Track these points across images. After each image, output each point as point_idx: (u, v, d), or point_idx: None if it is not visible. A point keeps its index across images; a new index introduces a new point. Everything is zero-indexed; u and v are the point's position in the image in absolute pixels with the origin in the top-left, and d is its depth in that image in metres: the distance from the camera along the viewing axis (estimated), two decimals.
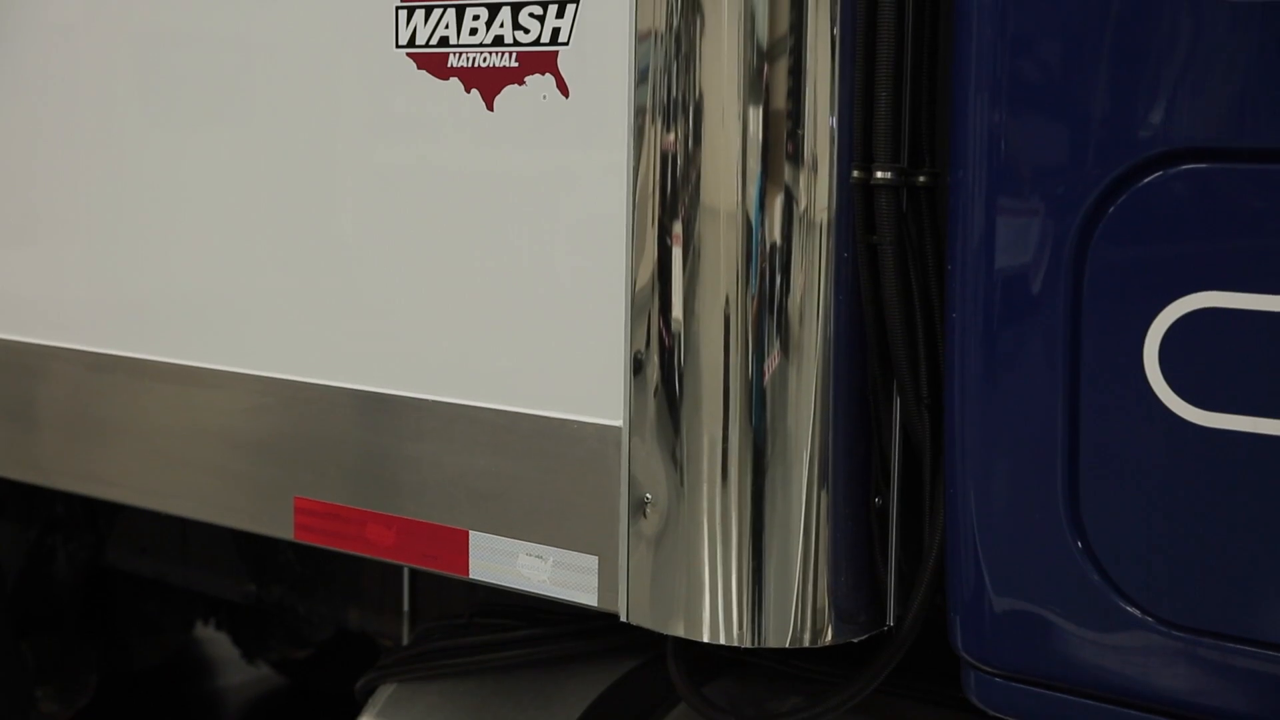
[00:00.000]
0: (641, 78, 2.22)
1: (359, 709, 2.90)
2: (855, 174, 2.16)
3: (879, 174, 2.14)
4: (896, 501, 2.30)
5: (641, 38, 2.22)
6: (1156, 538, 1.95)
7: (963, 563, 2.10)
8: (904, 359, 2.18)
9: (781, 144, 2.16)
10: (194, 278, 2.86)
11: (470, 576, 2.50)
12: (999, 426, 2.06)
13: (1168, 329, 1.89)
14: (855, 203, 2.17)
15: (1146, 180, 1.90)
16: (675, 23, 2.19)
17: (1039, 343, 2.01)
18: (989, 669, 2.11)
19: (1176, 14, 1.87)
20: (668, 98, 2.20)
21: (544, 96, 2.34)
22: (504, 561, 2.45)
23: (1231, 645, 1.91)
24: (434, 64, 2.45)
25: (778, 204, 2.17)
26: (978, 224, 2.03)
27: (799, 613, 2.24)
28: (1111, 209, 1.93)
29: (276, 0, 2.72)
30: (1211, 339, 1.87)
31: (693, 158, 2.20)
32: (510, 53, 2.37)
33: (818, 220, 2.18)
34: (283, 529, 2.73)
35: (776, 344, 2.20)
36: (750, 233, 2.18)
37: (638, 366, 2.27)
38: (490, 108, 2.40)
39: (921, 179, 2.18)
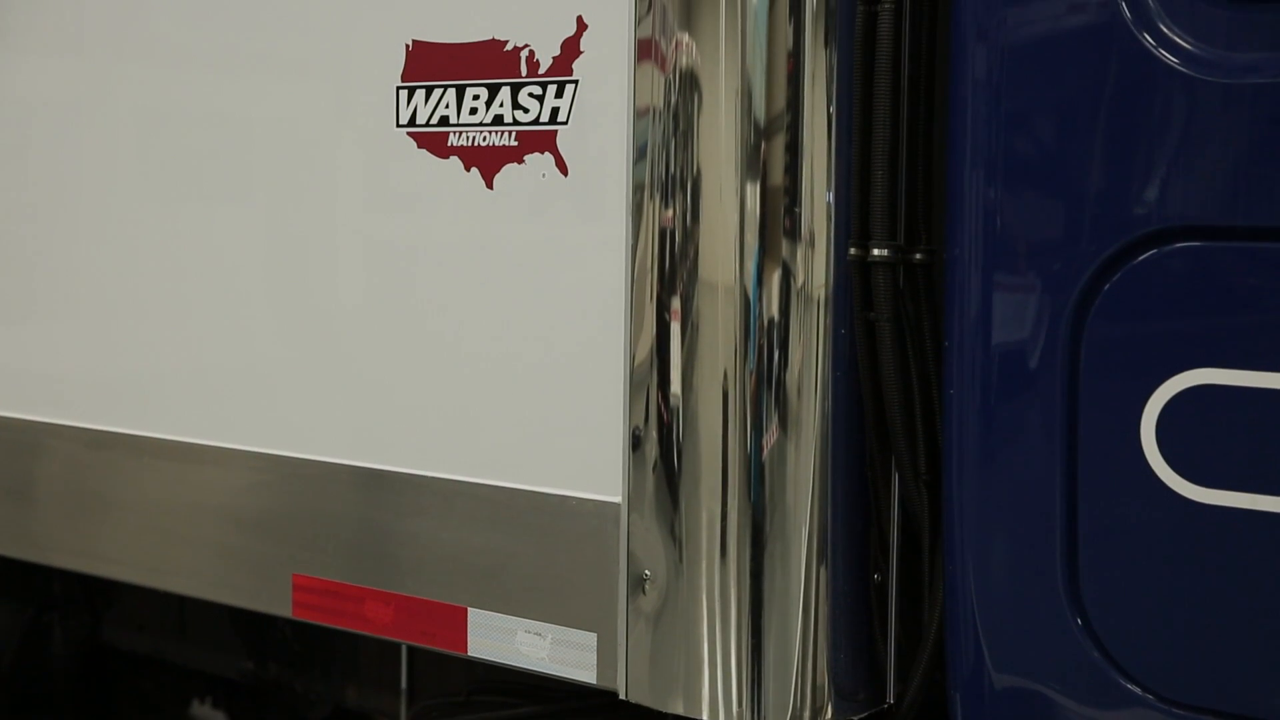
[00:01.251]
0: (640, 154, 2.24)
1: None
2: (852, 251, 2.18)
3: (876, 251, 2.16)
4: (895, 578, 2.29)
5: (640, 114, 2.24)
6: (1156, 614, 1.94)
7: (962, 639, 2.09)
8: (902, 435, 2.18)
9: (779, 220, 2.18)
10: (193, 354, 2.87)
11: (469, 654, 2.49)
12: (997, 503, 2.05)
13: (1164, 405, 1.90)
14: (853, 280, 2.19)
15: (1141, 258, 1.92)
16: (673, 100, 2.21)
17: (1036, 419, 2.01)
18: None
19: (1169, 94, 1.89)
20: (666, 174, 2.22)
21: (543, 175, 2.36)
22: (502, 639, 2.44)
23: None
24: (434, 143, 2.47)
25: (775, 279, 2.18)
26: (974, 301, 2.04)
27: (798, 690, 2.22)
28: (1107, 286, 1.94)
29: (278, 80, 2.75)
30: (1208, 415, 1.87)
31: (691, 233, 2.21)
32: (510, 132, 2.39)
33: (815, 296, 2.19)
34: (281, 606, 2.72)
35: (775, 419, 2.20)
36: (748, 308, 2.19)
37: (636, 442, 2.27)
38: (490, 186, 2.42)
39: (918, 256, 2.20)
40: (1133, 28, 1.90)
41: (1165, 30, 1.89)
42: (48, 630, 3.93)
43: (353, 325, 2.64)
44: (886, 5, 2.13)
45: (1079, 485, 1.98)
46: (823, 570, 2.22)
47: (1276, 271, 1.85)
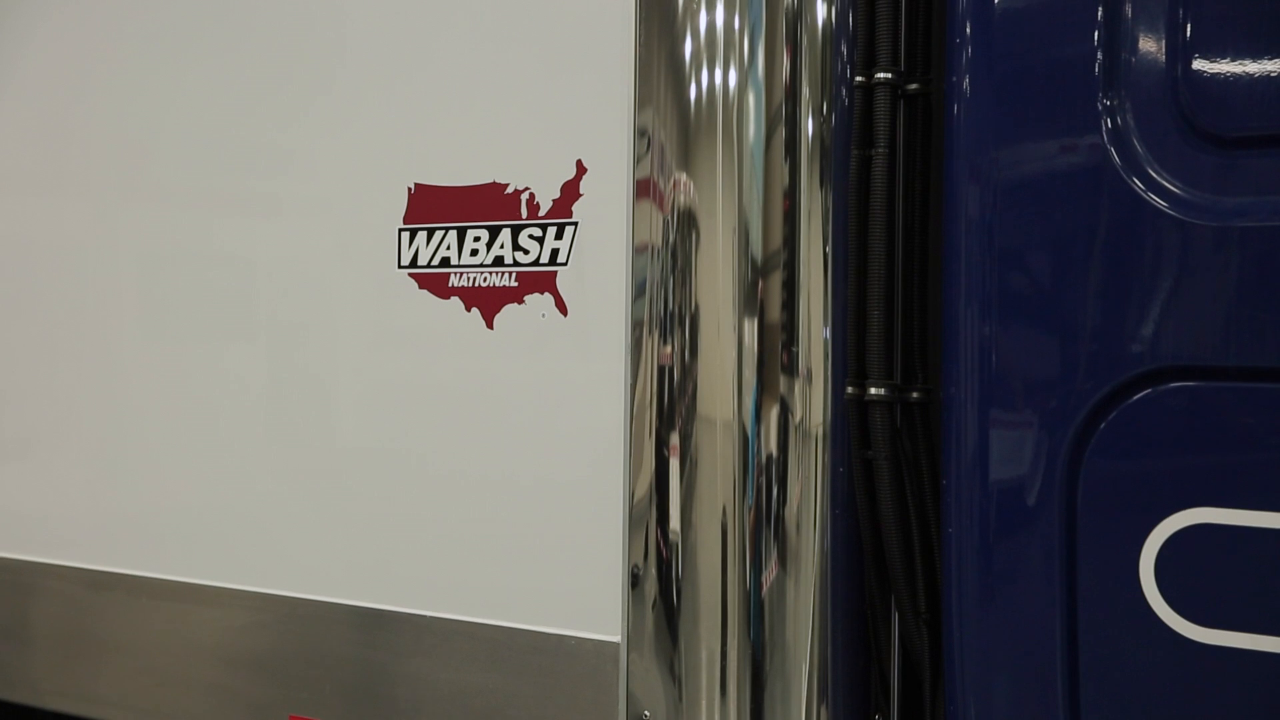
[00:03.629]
0: (639, 292, 2.26)
1: None
2: (849, 390, 2.19)
3: (873, 390, 2.17)
4: (896, 718, 2.27)
5: (638, 252, 2.27)
6: None
7: None
8: (901, 573, 2.18)
9: (776, 356, 2.19)
10: (192, 493, 2.87)
11: None
12: (997, 642, 2.04)
13: (1162, 544, 1.90)
14: (850, 418, 2.20)
15: (1136, 397, 1.93)
16: (671, 238, 2.23)
17: (1035, 557, 2.00)
18: None
19: (1159, 236, 1.92)
20: (664, 310, 2.24)
21: (543, 315, 2.38)
22: None
23: None
24: (435, 284, 2.50)
25: (773, 415, 2.19)
26: (971, 439, 2.05)
27: None
28: (1103, 425, 1.95)
29: (280, 221, 2.78)
30: (1207, 555, 1.87)
31: (689, 369, 2.22)
32: (510, 273, 2.41)
33: (813, 432, 2.20)
34: None
35: (774, 555, 2.19)
36: (747, 444, 2.19)
37: (635, 580, 2.27)
38: (490, 326, 2.44)
39: (915, 395, 2.21)
40: (1122, 172, 1.93)
41: (1154, 175, 1.92)
42: None
43: (352, 464, 2.65)
44: (880, 150, 2.17)
45: (1079, 624, 1.97)
46: (823, 710, 2.20)
47: (1271, 411, 1.86)
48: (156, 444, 2.93)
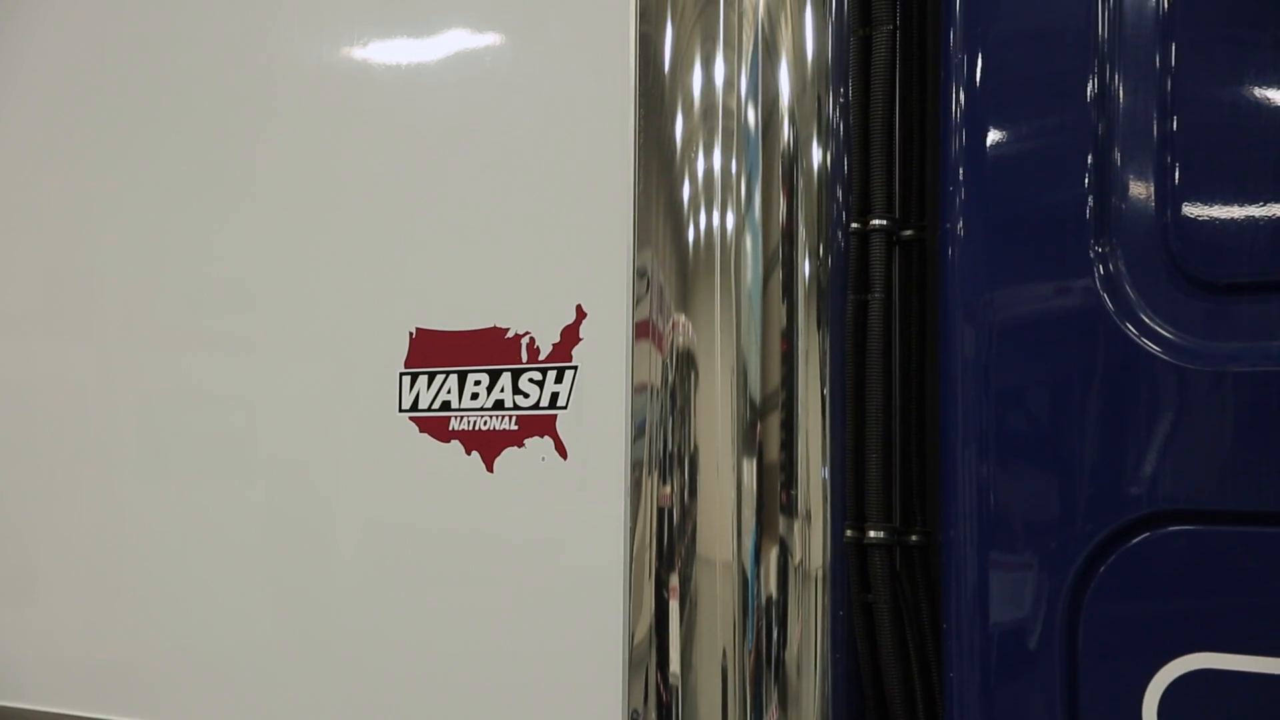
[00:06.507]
0: (638, 432, 2.27)
1: None
2: (849, 533, 2.19)
3: (872, 534, 2.17)
4: None
5: (637, 391, 2.28)
6: None
7: None
8: (903, 717, 2.16)
9: (775, 497, 2.19)
10: (189, 637, 2.85)
11: None
12: None
13: (1165, 689, 1.88)
14: (849, 561, 2.19)
15: (1135, 540, 1.93)
16: (670, 378, 2.25)
17: (1037, 701, 1.99)
18: None
19: (1154, 381, 1.93)
20: (663, 451, 2.25)
21: (543, 458, 2.39)
22: None
23: None
24: (436, 427, 2.51)
25: (773, 557, 2.19)
26: (970, 581, 2.05)
27: None
28: (1102, 568, 1.94)
29: (281, 364, 2.81)
30: (1210, 700, 1.86)
31: (689, 510, 2.23)
32: (510, 416, 2.42)
33: (813, 574, 2.19)
34: None
35: (775, 699, 2.18)
36: (746, 585, 2.19)
37: None
38: (490, 469, 2.45)
39: (914, 538, 2.21)
40: (1115, 318, 1.95)
41: (1147, 320, 1.94)
42: None
43: (350, 607, 2.63)
44: (876, 295, 2.19)
45: None
46: None
47: (1270, 554, 1.86)
48: (153, 587, 2.91)
